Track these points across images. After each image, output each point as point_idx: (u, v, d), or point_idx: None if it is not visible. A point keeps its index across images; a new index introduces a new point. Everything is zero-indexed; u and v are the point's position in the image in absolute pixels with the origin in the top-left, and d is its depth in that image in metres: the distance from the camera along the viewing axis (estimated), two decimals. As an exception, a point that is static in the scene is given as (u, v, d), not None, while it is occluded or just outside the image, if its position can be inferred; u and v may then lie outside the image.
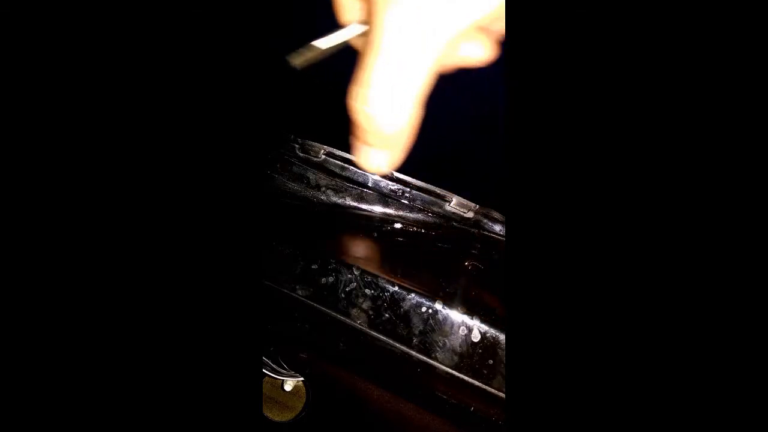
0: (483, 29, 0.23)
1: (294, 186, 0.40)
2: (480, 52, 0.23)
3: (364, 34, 0.27)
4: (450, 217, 0.40)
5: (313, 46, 0.26)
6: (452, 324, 0.31)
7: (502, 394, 0.31)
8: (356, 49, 0.28)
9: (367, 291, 0.32)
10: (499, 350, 0.31)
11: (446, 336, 0.31)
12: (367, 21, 0.26)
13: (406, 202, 0.40)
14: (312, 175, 0.40)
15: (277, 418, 0.49)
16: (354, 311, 0.32)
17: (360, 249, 0.38)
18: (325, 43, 0.26)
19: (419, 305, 0.32)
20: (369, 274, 0.32)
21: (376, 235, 0.39)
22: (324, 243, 0.35)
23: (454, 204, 0.40)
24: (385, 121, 0.21)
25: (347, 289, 0.33)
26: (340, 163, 0.40)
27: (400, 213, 0.40)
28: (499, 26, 0.23)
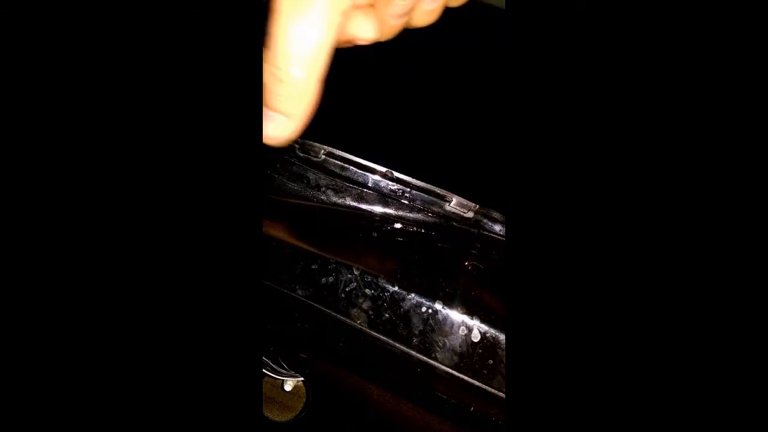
0: (373, 8, 0.23)
1: (294, 186, 0.40)
2: (367, 31, 0.24)
3: None
4: (450, 217, 0.40)
5: None
6: (452, 324, 0.31)
7: (502, 394, 0.31)
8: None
9: (367, 291, 0.32)
10: (499, 350, 0.31)
11: (446, 336, 0.31)
12: None
13: (406, 202, 0.40)
14: (312, 175, 0.40)
15: (277, 418, 0.49)
16: (354, 311, 0.32)
17: (360, 249, 0.38)
18: None
19: (419, 305, 0.32)
20: (369, 274, 0.32)
21: (376, 235, 0.39)
22: (324, 243, 0.35)
23: (454, 204, 0.40)
24: (288, 86, 0.21)
25: (347, 289, 0.33)
26: (340, 163, 0.40)
27: (400, 213, 0.40)
28: (391, 7, 0.23)
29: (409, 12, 0.24)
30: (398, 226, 0.40)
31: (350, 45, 0.25)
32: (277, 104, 0.22)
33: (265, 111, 0.23)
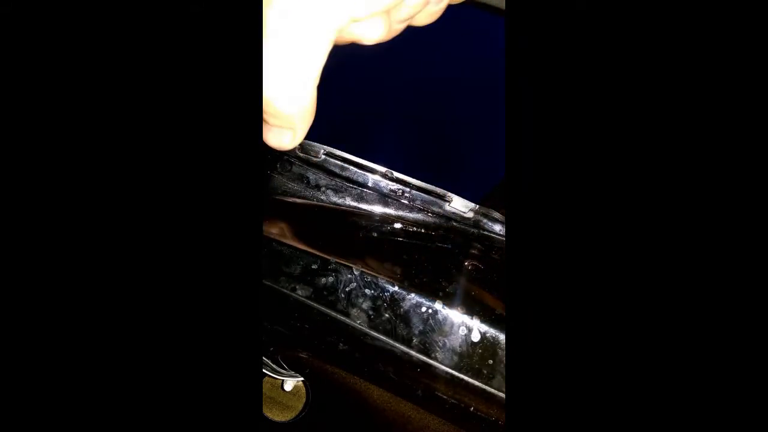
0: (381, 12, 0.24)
1: (294, 186, 0.40)
2: (373, 32, 0.24)
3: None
4: (450, 217, 0.40)
5: None
6: (452, 324, 0.31)
7: (502, 394, 0.31)
8: None
9: (367, 291, 0.32)
10: (499, 350, 0.31)
11: (446, 336, 0.31)
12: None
13: (406, 202, 0.40)
14: (312, 175, 0.40)
15: (277, 418, 0.49)
16: (354, 311, 0.32)
17: (360, 249, 0.38)
18: None
19: (419, 305, 0.32)
20: (369, 274, 0.32)
21: (376, 235, 0.39)
22: (324, 243, 0.35)
23: (454, 204, 0.40)
24: (283, 104, 0.22)
25: (347, 289, 0.33)
26: (340, 163, 0.40)
27: (400, 213, 0.40)
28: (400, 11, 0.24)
29: (415, 14, 0.24)
30: (398, 226, 0.40)
31: (349, 44, 0.25)
32: (272, 121, 0.23)
33: (265, 123, 0.23)
